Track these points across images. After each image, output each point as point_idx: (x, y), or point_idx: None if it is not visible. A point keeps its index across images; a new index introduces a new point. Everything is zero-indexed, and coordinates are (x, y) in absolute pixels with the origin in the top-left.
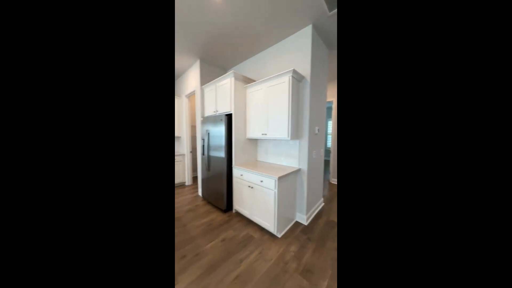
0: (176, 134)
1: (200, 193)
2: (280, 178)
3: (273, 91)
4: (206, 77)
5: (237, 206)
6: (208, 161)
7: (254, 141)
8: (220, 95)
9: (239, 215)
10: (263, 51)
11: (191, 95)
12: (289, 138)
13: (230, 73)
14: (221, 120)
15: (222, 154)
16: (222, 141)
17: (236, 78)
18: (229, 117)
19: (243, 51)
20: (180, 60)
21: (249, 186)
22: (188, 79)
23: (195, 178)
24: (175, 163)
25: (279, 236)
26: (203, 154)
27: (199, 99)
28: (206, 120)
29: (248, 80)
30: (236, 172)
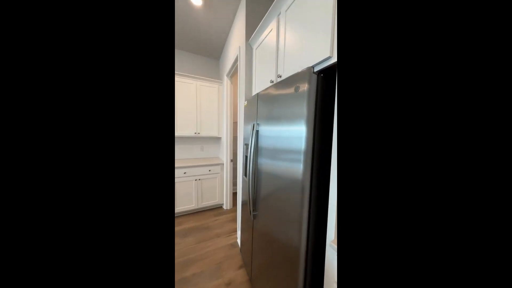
0: (216, 134)
1: (239, 240)
2: None
3: None
4: (256, 26)
5: None
6: (255, 195)
7: None
8: (292, 24)
9: None
10: None
11: (234, 71)
12: None
13: None
14: (295, 89)
15: (293, 184)
16: (300, 147)
17: None
18: (324, 77)
19: None
20: (219, 13)
21: None
22: (230, 47)
23: (235, 195)
24: (211, 176)
25: None
26: (245, 175)
27: (243, 68)
28: (254, 102)
29: None
30: None
